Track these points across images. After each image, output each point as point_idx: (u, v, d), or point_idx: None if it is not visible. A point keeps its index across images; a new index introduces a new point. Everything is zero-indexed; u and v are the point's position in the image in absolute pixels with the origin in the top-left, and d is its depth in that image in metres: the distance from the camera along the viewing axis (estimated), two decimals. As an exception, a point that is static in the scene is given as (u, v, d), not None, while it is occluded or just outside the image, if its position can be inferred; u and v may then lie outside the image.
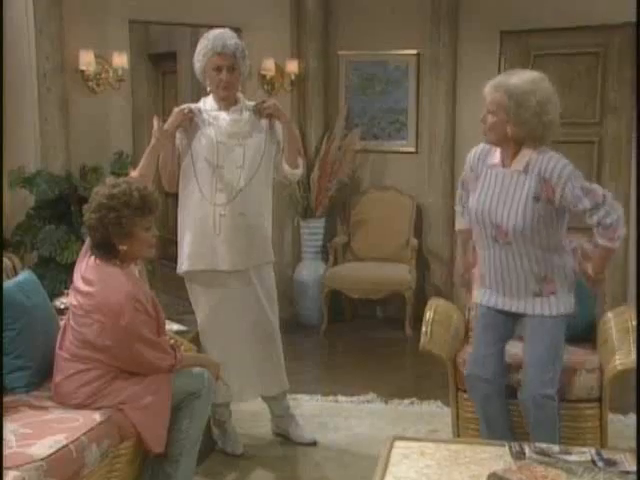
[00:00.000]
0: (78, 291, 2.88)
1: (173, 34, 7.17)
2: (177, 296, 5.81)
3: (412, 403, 4.25)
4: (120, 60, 5.17)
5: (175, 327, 3.55)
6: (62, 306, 3.42)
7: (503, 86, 2.87)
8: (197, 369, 3.02)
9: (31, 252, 4.82)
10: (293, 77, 5.96)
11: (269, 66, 5.80)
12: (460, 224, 3.30)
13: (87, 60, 5.03)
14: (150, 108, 7.78)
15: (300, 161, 3.60)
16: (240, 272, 3.45)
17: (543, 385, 2.97)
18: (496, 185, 2.97)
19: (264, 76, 5.83)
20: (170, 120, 3.38)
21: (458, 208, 3.30)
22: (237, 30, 3.74)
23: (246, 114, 3.44)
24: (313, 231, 6.02)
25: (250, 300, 3.49)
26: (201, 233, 3.41)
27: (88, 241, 2.96)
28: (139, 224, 2.85)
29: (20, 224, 4.87)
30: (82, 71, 5.08)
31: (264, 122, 3.47)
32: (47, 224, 4.81)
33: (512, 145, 2.92)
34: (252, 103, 3.49)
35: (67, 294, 3.22)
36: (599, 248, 2.92)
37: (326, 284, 5.80)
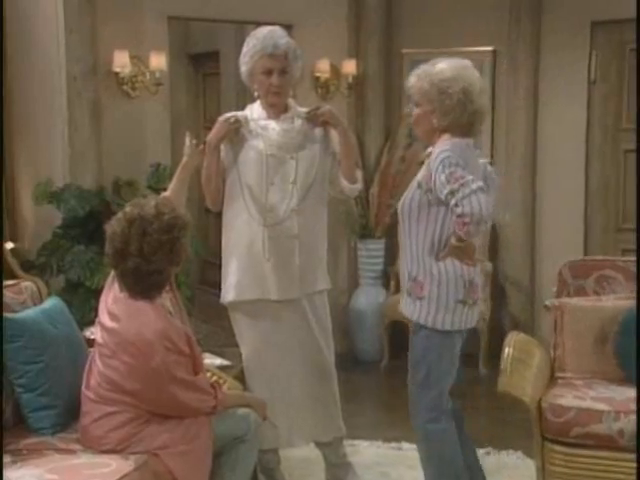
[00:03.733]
0: (103, 327, 2.93)
1: (215, 32, 7.30)
2: (218, 326, 5.87)
3: (488, 453, 4.20)
4: (158, 61, 5.25)
5: (218, 362, 3.58)
6: (92, 336, 3.46)
7: (426, 74, 3.03)
8: (242, 410, 3.04)
9: (57, 275, 4.90)
10: (350, 79, 5.99)
11: (323, 67, 5.84)
12: None
13: (122, 61, 5.13)
14: (189, 114, 7.91)
15: (358, 174, 3.61)
16: (291, 301, 3.47)
17: (421, 412, 3.10)
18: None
19: (318, 78, 5.88)
20: (214, 131, 3.42)
21: None
22: (287, 27, 3.79)
23: (298, 123, 3.46)
24: (372, 253, 6.02)
25: (302, 332, 3.51)
26: (249, 259, 3.44)
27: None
28: (185, 244, 2.93)
29: (46, 244, 4.96)
30: (116, 73, 5.18)
31: (318, 131, 3.50)
32: (76, 244, 4.89)
33: (438, 136, 3.06)
34: (304, 110, 3.52)
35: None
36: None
37: (387, 314, 5.77)
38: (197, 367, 2.97)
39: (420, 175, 3.06)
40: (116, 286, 2.96)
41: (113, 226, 2.88)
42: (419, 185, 3.04)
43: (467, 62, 3.08)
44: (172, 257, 2.88)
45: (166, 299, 3.02)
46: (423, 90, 3.03)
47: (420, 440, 3.17)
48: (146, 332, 2.80)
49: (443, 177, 2.90)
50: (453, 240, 2.98)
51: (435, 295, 3.04)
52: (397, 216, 5.85)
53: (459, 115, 3.00)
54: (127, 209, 2.90)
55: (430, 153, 3.05)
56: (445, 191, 2.89)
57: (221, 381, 3.31)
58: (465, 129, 3.03)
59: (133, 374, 2.81)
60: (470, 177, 2.90)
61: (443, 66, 3.03)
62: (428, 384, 3.10)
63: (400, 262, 3.21)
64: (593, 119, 5.61)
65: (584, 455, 3.24)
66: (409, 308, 3.12)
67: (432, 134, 3.07)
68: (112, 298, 2.95)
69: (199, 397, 2.90)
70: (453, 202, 2.87)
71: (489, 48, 5.87)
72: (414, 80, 3.07)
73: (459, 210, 2.85)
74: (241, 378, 3.53)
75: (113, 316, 2.90)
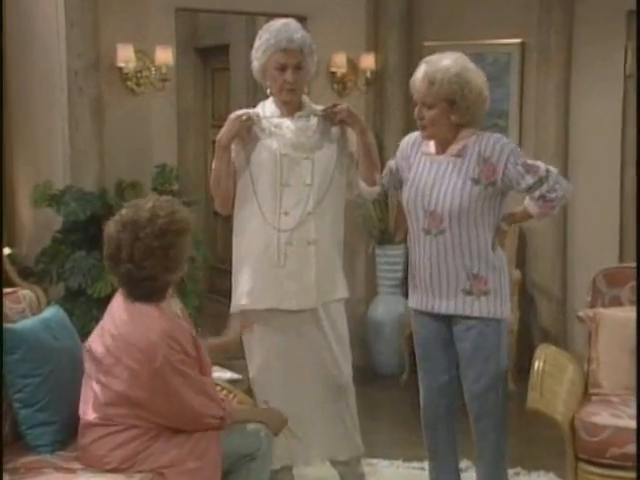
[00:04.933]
0: (107, 333, 2.92)
1: (225, 24, 7.34)
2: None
3: (517, 474, 4.18)
4: (164, 55, 5.27)
5: (227, 375, 3.58)
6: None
7: (439, 74, 3.17)
8: (252, 426, 3.04)
9: (57, 283, 4.92)
10: (369, 74, 5.99)
11: (340, 61, 5.84)
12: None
13: (126, 56, 5.14)
14: (197, 112, 7.93)
15: (377, 176, 3.61)
16: (307, 311, 3.47)
17: (491, 410, 3.29)
18: (430, 172, 3.29)
19: (334, 73, 5.88)
20: (224, 130, 3.42)
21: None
22: (302, 19, 3.79)
23: (314, 121, 3.47)
24: (391, 260, 6.00)
25: (318, 344, 3.51)
26: (262, 266, 3.44)
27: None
28: (183, 250, 2.93)
29: (45, 250, 4.98)
30: (120, 69, 5.20)
31: (335, 130, 3.51)
32: (76, 250, 4.90)
33: (451, 133, 3.25)
34: (320, 107, 3.52)
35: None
36: (525, 209, 3.28)
37: (407, 324, 5.73)
38: (204, 372, 2.97)
39: (469, 173, 3.17)
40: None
41: (109, 228, 2.90)
42: (476, 181, 3.17)
43: (459, 53, 3.27)
44: (167, 263, 2.88)
45: (171, 303, 3.03)
46: (439, 92, 3.16)
47: (491, 432, 3.33)
48: (151, 335, 2.81)
49: (520, 168, 3.15)
50: (505, 226, 3.28)
51: (499, 286, 3.25)
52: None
53: (480, 106, 3.23)
54: (123, 211, 2.92)
55: (461, 149, 3.19)
56: (529, 181, 3.13)
57: (231, 395, 3.31)
58: (479, 119, 3.25)
59: (138, 380, 2.81)
60: (540, 162, 3.20)
61: (448, 62, 3.19)
62: (499, 378, 3.28)
63: (436, 265, 3.26)
64: (629, 116, 5.57)
65: (621, 477, 3.21)
66: (473, 307, 3.23)
67: (448, 131, 3.24)
68: (117, 303, 2.97)
69: (205, 401, 2.89)
70: (545, 188, 3.13)
71: (517, 40, 5.85)
72: (425, 84, 3.19)
73: (553, 195, 3.14)
74: (251, 393, 3.52)
75: (117, 321, 2.91)
